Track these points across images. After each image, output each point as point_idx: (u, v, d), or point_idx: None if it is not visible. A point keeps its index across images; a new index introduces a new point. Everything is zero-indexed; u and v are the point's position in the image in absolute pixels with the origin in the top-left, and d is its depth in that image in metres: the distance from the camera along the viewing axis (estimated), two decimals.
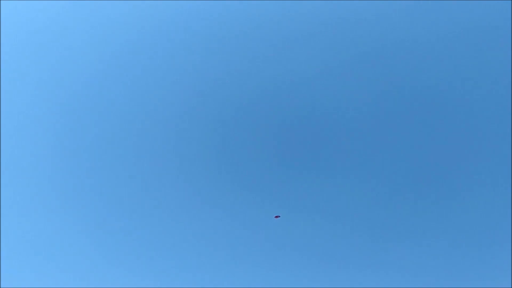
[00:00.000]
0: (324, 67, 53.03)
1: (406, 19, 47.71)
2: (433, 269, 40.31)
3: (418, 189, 49.64)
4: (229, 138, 55.84)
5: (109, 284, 40.81)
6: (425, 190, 49.03)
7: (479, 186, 46.09)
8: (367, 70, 51.93)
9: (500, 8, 41.26)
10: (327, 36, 51.22)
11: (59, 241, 45.95)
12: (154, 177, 53.80)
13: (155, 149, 54.91)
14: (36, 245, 45.07)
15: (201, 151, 55.71)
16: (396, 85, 51.56)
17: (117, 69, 52.04)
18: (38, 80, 49.23)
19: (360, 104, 53.62)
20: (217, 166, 55.30)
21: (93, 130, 52.37)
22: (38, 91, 49.42)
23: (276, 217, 34.82)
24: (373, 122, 53.18)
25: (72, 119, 51.17)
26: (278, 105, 55.95)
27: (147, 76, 53.24)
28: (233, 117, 55.96)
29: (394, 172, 51.12)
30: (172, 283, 42.06)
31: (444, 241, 43.17)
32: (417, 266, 41.71)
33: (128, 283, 41.47)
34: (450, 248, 42.21)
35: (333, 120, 54.51)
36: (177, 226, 51.27)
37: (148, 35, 50.95)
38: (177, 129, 55.66)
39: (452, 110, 49.28)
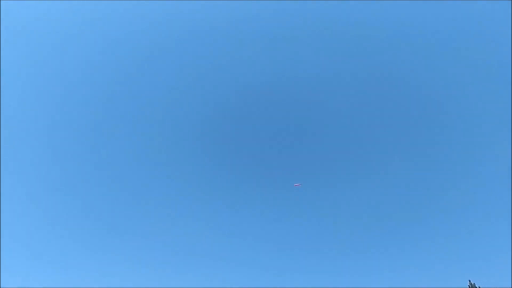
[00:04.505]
0: (324, 68, 52.95)
1: (406, 19, 47.71)
2: (434, 269, 40.27)
3: (419, 189, 49.50)
4: (230, 139, 55.78)
5: (109, 284, 40.68)
6: (425, 190, 48.89)
7: (479, 186, 46.02)
8: (367, 70, 51.82)
9: (500, 8, 41.19)
10: (326, 37, 51.16)
11: (58, 241, 45.79)
12: (156, 177, 53.57)
13: (156, 149, 54.66)
14: (36, 245, 44.96)
15: (201, 152, 55.55)
16: (395, 85, 51.43)
17: (112, 69, 51.90)
18: (38, 80, 49.09)
19: (360, 105, 53.53)
20: (215, 167, 55.11)
21: (91, 129, 52.21)
22: (37, 91, 49.29)
23: (297, 185, 38.26)
24: (373, 123, 53.04)
25: (71, 119, 50.99)
26: (277, 106, 55.77)
27: (145, 77, 53.03)
28: (232, 118, 55.83)
29: (394, 173, 50.96)
30: (172, 283, 42.00)
31: (444, 242, 43.09)
32: (418, 266, 41.59)
33: (127, 283, 41.36)
34: (450, 248, 42.13)
35: (334, 121, 54.34)
36: (176, 225, 51.06)
37: (145, 35, 50.87)
38: (174, 130, 55.51)
39: (452, 110, 49.17)
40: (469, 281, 21.90)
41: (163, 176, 53.82)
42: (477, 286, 21.45)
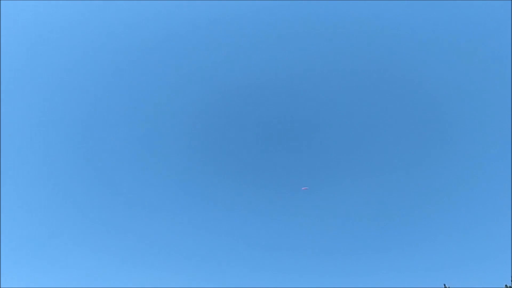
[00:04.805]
0: (322, 68, 52.88)
1: (405, 18, 47.67)
2: (433, 269, 40.23)
3: (419, 189, 49.43)
4: (229, 140, 55.71)
5: (109, 283, 40.70)
6: (425, 191, 48.82)
7: (479, 186, 45.95)
8: (366, 71, 51.75)
9: (500, 8, 41.16)
10: (326, 36, 51.09)
11: (59, 241, 45.77)
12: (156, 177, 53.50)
13: (156, 149, 54.57)
14: (36, 245, 44.96)
15: (199, 152, 55.49)
16: (395, 85, 51.36)
17: (112, 69, 51.83)
18: (38, 80, 49.06)
19: (359, 105, 53.45)
20: (213, 167, 55.04)
21: (90, 129, 52.15)
22: (37, 91, 49.26)
23: (304, 188, 41.39)
24: (372, 123, 52.97)
25: (71, 119, 50.94)
26: (275, 106, 55.69)
27: (146, 78, 52.95)
28: (233, 118, 55.76)
29: (394, 173, 50.91)
30: (173, 283, 42.00)
31: (444, 242, 43.05)
32: (418, 266, 41.55)
33: (127, 283, 41.37)
34: (450, 248, 42.07)
35: (334, 120, 54.26)
36: (175, 225, 51.01)
37: (144, 36, 50.80)
38: (175, 130, 55.42)
39: (452, 110, 49.11)
40: (444, 285, 21.72)
41: (163, 177, 53.80)
42: None
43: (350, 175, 52.26)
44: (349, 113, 53.34)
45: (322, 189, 51.01)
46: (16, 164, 47.16)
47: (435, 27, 46.78)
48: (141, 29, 49.76)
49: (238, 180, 53.80)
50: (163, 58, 52.76)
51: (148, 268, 45.19)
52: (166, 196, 52.93)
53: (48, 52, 48.37)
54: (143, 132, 53.95)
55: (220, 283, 43.63)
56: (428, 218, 45.93)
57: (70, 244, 45.23)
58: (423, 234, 44.46)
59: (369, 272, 42.27)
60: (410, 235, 45.13)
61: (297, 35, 50.94)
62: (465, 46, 46.78)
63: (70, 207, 48.92)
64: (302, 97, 54.72)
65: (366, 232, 47.27)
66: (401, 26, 48.09)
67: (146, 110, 53.74)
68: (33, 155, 48.65)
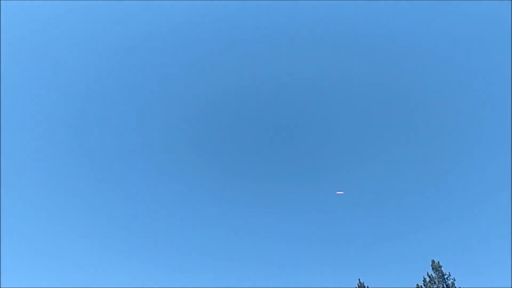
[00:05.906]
0: (321, 68, 52.96)
1: (403, 19, 47.67)
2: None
3: (418, 188, 49.48)
4: (231, 139, 55.81)
5: (109, 283, 40.80)
6: (425, 190, 48.88)
7: (479, 186, 45.97)
8: (365, 70, 51.80)
9: (500, 8, 41.17)
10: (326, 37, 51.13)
11: (59, 241, 45.88)
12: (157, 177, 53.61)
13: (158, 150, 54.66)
14: (36, 245, 45.07)
15: (202, 152, 55.60)
16: (395, 85, 51.44)
17: (112, 69, 51.95)
18: (38, 80, 49.16)
19: (359, 105, 53.53)
20: (215, 166, 55.15)
21: (94, 129, 52.27)
22: (37, 91, 49.36)
23: (339, 192, 42.02)
24: (372, 123, 53.02)
25: (71, 119, 51.05)
26: (275, 106, 55.81)
27: (147, 79, 53.05)
28: (234, 118, 55.89)
29: (393, 173, 50.98)
30: (175, 283, 42.09)
31: (443, 241, 43.07)
32: (418, 265, 41.58)
33: (127, 283, 41.47)
34: (449, 248, 42.09)
35: (333, 119, 54.36)
36: (176, 226, 51.09)
37: (145, 36, 50.86)
38: (179, 130, 55.56)
39: (452, 110, 49.17)
40: (359, 279, 22.72)
41: (167, 176, 54.02)
42: (365, 285, 22.51)
43: (348, 170, 52.39)
44: (349, 112, 53.42)
45: (319, 186, 51.13)
46: (16, 162, 47.29)
47: (433, 27, 46.85)
48: (147, 29, 49.77)
49: (237, 179, 54.02)
50: (164, 56, 52.89)
51: (152, 267, 45.37)
52: (167, 195, 53.16)
53: (50, 52, 48.46)
54: (143, 130, 54.08)
55: (222, 282, 43.65)
56: (427, 216, 46.04)
57: (71, 244, 45.38)
58: (421, 233, 44.51)
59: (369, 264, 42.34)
60: (408, 233, 45.22)
61: (304, 36, 50.93)
62: (464, 46, 46.86)
63: (72, 206, 49.11)
64: (301, 98, 54.81)
65: (365, 224, 47.39)
66: (399, 26, 48.14)
67: (147, 108, 53.82)
68: (33, 153, 48.80)
